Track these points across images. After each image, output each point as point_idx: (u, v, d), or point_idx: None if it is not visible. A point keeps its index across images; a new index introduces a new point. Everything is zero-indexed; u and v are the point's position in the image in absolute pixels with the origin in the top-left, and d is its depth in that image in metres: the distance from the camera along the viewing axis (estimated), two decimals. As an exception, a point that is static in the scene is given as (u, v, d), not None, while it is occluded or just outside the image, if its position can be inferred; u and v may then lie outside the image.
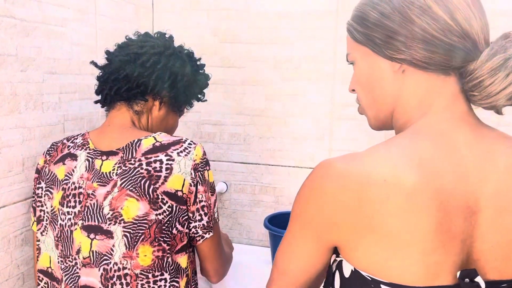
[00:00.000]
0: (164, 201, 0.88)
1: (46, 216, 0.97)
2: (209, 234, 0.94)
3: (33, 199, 1.00)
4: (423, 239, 0.56)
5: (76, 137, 1.01)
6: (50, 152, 1.01)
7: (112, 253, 0.89)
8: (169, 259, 0.90)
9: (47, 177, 0.98)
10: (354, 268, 0.61)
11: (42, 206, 0.97)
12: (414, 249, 0.56)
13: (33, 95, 1.06)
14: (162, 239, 0.89)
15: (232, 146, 1.62)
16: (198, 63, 1.10)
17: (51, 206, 0.96)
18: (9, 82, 0.99)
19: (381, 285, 0.58)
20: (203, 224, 0.93)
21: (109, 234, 0.89)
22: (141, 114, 1.02)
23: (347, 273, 0.62)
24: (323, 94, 1.51)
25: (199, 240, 0.94)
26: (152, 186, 0.88)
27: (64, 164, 0.96)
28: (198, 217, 0.93)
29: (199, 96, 1.12)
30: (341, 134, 1.51)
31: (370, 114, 0.72)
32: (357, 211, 0.57)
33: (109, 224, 0.89)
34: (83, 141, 0.98)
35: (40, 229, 0.98)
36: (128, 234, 0.88)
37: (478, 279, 0.57)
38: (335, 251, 0.65)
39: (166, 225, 0.89)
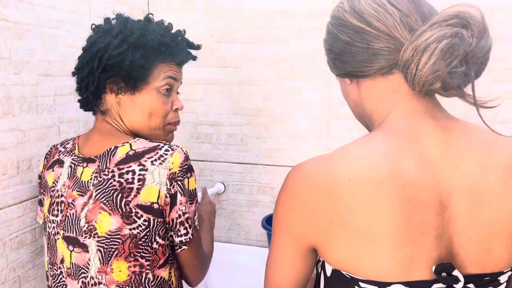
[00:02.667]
0: (139, 215, 0.84)
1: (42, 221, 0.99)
2: (189, 244, 0.91)
3: (41, 199, 1.02)
4: (392, 234, 0.56)
5: (69, 141, 1.00)
6: (47, 156, 1.01)
7: (88, 267, 0.87)
8: (149, 275, 0.87)
9: (43, 183, 0.98)
10: (334, 268, 0.62)
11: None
12: (384, 245, 0.57)
13: (27, 98, 1.06)
14: (138, 255, 0.85)
15: (230, 146, 1.61)
16: (136, 25, 0.95)
17: (43, 213, 0.96)
18: (2, 85, 0.99)
19: (360, 283, 0.59)
20: (183, 235, 0.89)
21: (85, 248, 0.87)
22: (109, 112, 0.95)
23: (329, 273, 0.64)
24: (319, 93, 1.50)
25: (178, 250, 0.92)
26: (124, 200, 0.84)
27: (53, 170, 0.95)
28: (177, 228, 0.88)
29: (153, 57, 0.93)
30: (338, 132, 1.51)
31: (359, 122, 0.77)
32: (328, 211, 0.59)
33: (85, 238, 0.87)
34: (72, 146, 0.97)
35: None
36: (101, 249, 0.85)
37: (456, 272, 0.57)
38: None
39: (143, 239, 0.85)
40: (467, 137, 0.62)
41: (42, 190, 0.99)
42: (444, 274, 0.57)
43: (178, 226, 0.88)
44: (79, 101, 0.98)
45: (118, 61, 0.90)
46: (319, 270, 0.68)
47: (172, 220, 0.87)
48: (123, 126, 0.96)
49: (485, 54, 0.57)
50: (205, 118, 1.63)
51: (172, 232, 0.88)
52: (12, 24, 1.01)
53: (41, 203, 1.02)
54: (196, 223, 0.92)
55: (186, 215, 0.88)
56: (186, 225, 0.88)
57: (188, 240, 0.89)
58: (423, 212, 0.57)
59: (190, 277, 0.97)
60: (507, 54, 1.34)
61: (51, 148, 1.02)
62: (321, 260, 0.66)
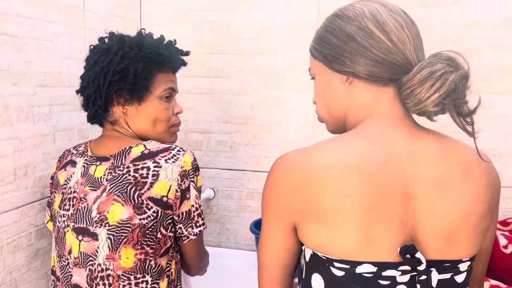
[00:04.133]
0: (149, 207, 0.92)
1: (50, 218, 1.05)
2: (203, 228, 1.00)
3: (50, 201, 1.08)
4: (359, 216, 0.63)
5: (81, 145, 1.08)
6: (60, 159, 1.08)
7: (96, 255, 0.93)
8: (152, 262, 0.94)
9: (55, 182, 1.05)
10: (313, 252, 0.68)
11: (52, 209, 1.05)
12: (351, 225, 0.63)
13: (24, 108, 1.11)
14: (145, 243, 0.93)
15: (219, 153, 1.67)
16: (132, 41, 1.02)
17: (53, 210, 1.02)
18: (1, 96, 1.03)
19: (334, 263, 0.65)
20: (201, 225, 0.99)
21: (94, 236, 0.94)
22: (117, 123, 1.04)
23: (308, 258, 0.70)
24: (306, 102, 1.56)
25: (185, 240, 0.99)
26: (137, 192, 0.92)
27: (65, 170, 1.03)
28: (193, 220, 0.97)
29: (152, 68, 1.02)
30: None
31: (326, 120, 0.82)
32: (304, 193, 0.66)
33: (95, 227, 0.93)
34: (84, 149, 1.05)
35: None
36: (111, 237, 0.92)
37: (418, 254, 0.64)
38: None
39: (150, 229, 0.93)
40: (432, 140, 0.70)
41: (53, 189, 1.05)
42: (408, 256, 0.64)
43: (196, 218, 0.98)
44: (87, 116, 1.05)
45: (122, 76, 0.99)
46: (302, 261, 0.74)
47: (182, 213, 0.96)
48: (132, 132, 1.05)
49: (465, 90, 0.67)
50: (195, 126, 1.68)
51: (182, 224, 0.97)
52: (10, 38, 1.06)
53: (49, 204, 1.08)
54: (203, 216, 1.01)
55: (200, 208, 0.98)
56: (203, 216, 0.99)
57: (203, 229, 1.00)
58: (389, 199, 0.64)
59: (192, 264, 1.05)
60: (482, 67, 1.42)
61: (64, 152, 1.09)
62: (303, 248, 0.72)
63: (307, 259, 0.71)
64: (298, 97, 1.57)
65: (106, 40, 1.06)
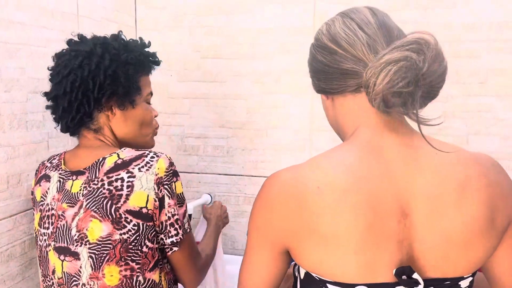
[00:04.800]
0: (128, 220, 0.88)
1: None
2: (179, 246, 0.94)
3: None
4: (355, 239, 0.61)
5: (55, 157, 1.03)
6: (36, 173, 1.05)
7: (80, 274, 0.90)
8: (140, 278, 0.91)
9: (33, 198, 1.02)
10: (306, 271, 0.67)
11: None
12: (348, 248, 0.61)
13: (17, 115, 1.09)
14: (129, 258, 0.89)
15: (216, 158, 1.66)
16: (116, 44, 1.00)
17: (34, 228, 1.00)
18: (-7, 103, 1.02)
19: (328, 284, 0.64)
20: (172, 236, 0.92)
21: (76, 256, 0.90)
22: (101, 130, 0.99)
23: (302, 275, 0.69)
24: (302, 106, 1.55)
25: (169, 252, 0.95)
26: (114, 206, 0.88)
27: (40, 185, 0.99)
28: (167, 230, 0.92)
29: (139, 71, 1.01)
30: (320, 144, 1.56)
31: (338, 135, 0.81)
32: (298, 216, 0.64)
33: (76, 246, 0.90)
34: (58, 161, 1.00)
35: None
36: (93, 255, 0.89)
37: (415, 275, 0.61)
38: None
39: (133, 244, 0.89)
40: (427, 151, 0.66)
41: (33, 206, 1.02)
42: (404, 276, 0.61)
43: (168, 228, 0.92)
44: (64, 125, 0.98)
45: (114, 79, 0.96)
46: (296, 274, 0.72)
47: (162, 223, 0.92)
48: (113, 140, 1.01)
49: (438, 77, 0.62)
50: (191, 131, 1.67)
51: (163, 235, 0.93)
52: (2, 44, 1.04)
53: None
54: (186, 226, 0.96)
55: (176, 217, 0.92)
56: (176, 226, 0.93)
57: (178, 241, 0.93)
58: (385, 219, 0.62)
59: (184, 279, 1.00)
60: (479, 69, 1.41)
61: (39, 165, 1.05)
62: (297, 264, 0.70)
63: (302, 277, 0.69)
64: (295, 101, 1.56)
65: (77, 42, 1.02)
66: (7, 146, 1.06)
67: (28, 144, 1.13)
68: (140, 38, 1.08)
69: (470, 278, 0.67)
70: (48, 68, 1.03)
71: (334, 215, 0.62)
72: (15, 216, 1.09)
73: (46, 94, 1.01)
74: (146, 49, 1.07)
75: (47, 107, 1.03)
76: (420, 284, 0.61)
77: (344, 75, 0.69)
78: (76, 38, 1.04)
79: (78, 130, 1.01)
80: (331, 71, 0.70)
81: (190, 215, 1.51)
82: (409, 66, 0.59)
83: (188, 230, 0.98)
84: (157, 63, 1.08)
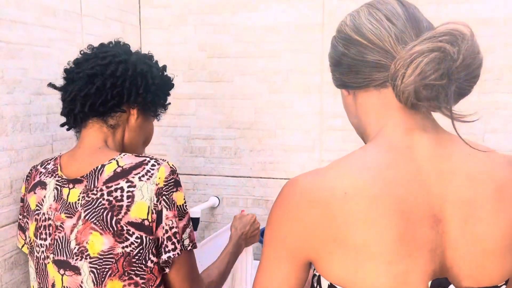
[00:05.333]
0: (130, 232, 0.83)
1: (28, 246, 0.96)
2: (173, 254, 0.86)
3: (21, 224, 0.99)
4: (387, 249, 0.57)
5: (49, 161, 0.98)
6: (28, 178, 0.99)
7: None
8: None
9: (25, 206, 0.96)
10: (330, 283, 0.61)
11: (27, 236, 0.97)
12: (380, 260, 0.57)
13: (20, 117, 1.06)
14: (133, 273, 0.84)
15: (223, 160, 1.62)
16: (159, 64, 1.06)
17: (29, 237, 0.95)
18: (-5, 105, 0.99)
19: None
20: (169, 251, 0.85)
21: (76, 270, 0.86)
22: (116, 128, 0.97)
23: (325, 287, 0.63)
24: (311, 106, 1.52)
25: (166, 269, 0.87)
26: (115, 218, 0.83)
27: (35, 193, 0.94)
28: (164, 244, 0.85)
29: (167, 98, 1.07)
30: (331, 144, 1.52)
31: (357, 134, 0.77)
32: (323, 225, 0.59)
33: (76, 260, 0.85)
34: (54, 166, 0.95)
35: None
36: (94, 270, 0.84)
37: (451, 287, 0.58)
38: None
39: (137, 257, 0.84)
40: (459, 152, 0.62)
41: (25, 214, 0.97)
42: None
43: (165, 242, 0.85)
44: (80, 107, 0.93)
45: (159, 88, 1.00)
46: (315, 285, 0.67)
47: (158, 238, 0.85)
48: (120, 143, 0.98)
49: (473, 71, 0.58)
50: (198, 132, 1.63)
51: (162, 249, 0.86)
52: (4, 44, 1.01)
53: (21, 227, 1.00)
54: (186, 242, 0.88)
55: (174, 230, 0.85)
56: (174, 240, 0.85)
57: (176, 256, 0.86)
58: (417, 226, 0.58)
59: None
60: (494, 65, 1.37)
61: (31, 170, 1.00)
62: (317, 274, 0.66)
63: None
64: (304, 100, 1.52)
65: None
66: (10, 150, 1.03)
67: (32, 147, 1.10)
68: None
69: (504, 286, 0.63)
70: (93, 49, 1.00)
71: (364, 223, 0.57)
72: (19, 222, 1.06)
73: (76, 63, 0.97)
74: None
75: (65, 79, 0.98)
76: None
77: (369, 68, 0.65)
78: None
79: (87, 120, 0.95)
80: (354, 64, 0.66)
81: (198, 219, 1.48)
82: (442, 57, 0.55)
83: (189, 247, 0.89)
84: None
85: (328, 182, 0.60)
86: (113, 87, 0.93)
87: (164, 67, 1.05)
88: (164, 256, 0.85)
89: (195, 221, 1.48)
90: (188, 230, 0.89)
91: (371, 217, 0.57)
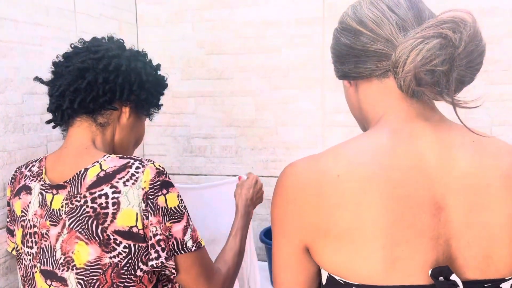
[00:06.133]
0: (118, 242, 0.78)
1: (16, 252, 0.93)
2: (155, 263, 0.80)
3: (10, 228, 0.96)
4: (382, 233, 0.55)
5: (34, 163, 0.93)
6: (12, 181, 0.94)
7: None
8: None
9: (11, 211, 0.93)
10: (329, 274, 0.60)
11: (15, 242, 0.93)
12: (374, 244, 0.55)
13: (12, 117, 1.03)
14: (122, 285, 0.79)
15: (224, 159, 1.58)
16: (153, 62, 1.01)
17: (16, 244, 0.91)
18: (-15, 105, 0.96)
19: None
20: (153, 258, 0.79)
21: (63, 282, 0.82)
22: (106, 126, 0.91)
23: (324, 280, 0.62)
24: (313, 101, 1.48)
25: (172, 276, 0.83)
26: (100, 227, 0.78)
27: (20, 198, 0.89)
28: (154, 254, 0.79)
29: (160, 98, 1.02)
30: (334, 140, 1.48)
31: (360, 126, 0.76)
32: (317, 208, 0.58)
33: (63, 270, 0.81)
34: (39, 169, 0.90)
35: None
36: (82, 282, 0.80)
37: (453, 277, 0.55)
38: None
39: (126, 267, 0.79)
40: (462, 139, 0.61)
41: (11, 219, 0.93)
42: (441, 278, 0.55)
43: (149, 249, 0.80)
44: (68, 102, 0.87)
45: (153, 86, 0.96)
46: (319, 280, 0.66)
47: (151, 243, 0.81)
48: (109, 142, 0.92)
49: (476, 58, 0.57)
50: (198, 131, 1.60)
51: (152, 259, 0.81)
52: (-6, 43, 0.98)
53: (10, 231, 0.97)
54: (189, 244, 0.83)
55: (157, 237, 0.79)
56: (158, 247, 0.79)
57: (159, 265, 0.80)
58: (416, 212, 0.56)
59: None
60: (501, 56, 1.33)
61: (15, 172, 0.94)
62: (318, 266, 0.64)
63: (324, 282, 0.62)
64: (305, 96, 1.49)
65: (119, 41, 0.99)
66: (2, 151, 1.00)
67: (25, 148, 1.07)
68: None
69: (511, 281, 0.59)
70: (83, 43, 0.95)
71: (357, 205, 0.56)
72: (13, 226, 1.03)
73: (65, 57, 0.92)
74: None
75: (53, 73, 0.93)
76: (458, 286, 0.54)
77: (371, 58, 0.64)
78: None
79: (75, 117, 0.90)
80: (356, 54, 0.65)
81: (199, 219, 1.44)
82: (444, 44, 0.54)
83: (194, 248, 0.83)
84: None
85: (322, 165, 0.59)
86: (105, 83, 0.87)
87: (158, 66, 1.00)
88: (150, 263, 0.80)
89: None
90: (189, 231, 0.83)
91: (364, 200, 0.56)
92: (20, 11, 1.06)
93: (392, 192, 0.56)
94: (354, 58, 0.66)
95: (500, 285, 0.58)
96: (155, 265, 0.80)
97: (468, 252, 0.57)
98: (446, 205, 0.57)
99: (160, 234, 0.79)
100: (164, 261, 0.80)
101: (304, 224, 0.59)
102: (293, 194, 0.60)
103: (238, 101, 1.55)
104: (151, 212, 0.79)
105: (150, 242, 0.79)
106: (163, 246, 0.80)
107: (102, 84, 0.87)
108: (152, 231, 0.79)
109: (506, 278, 0.59)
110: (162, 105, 1.04)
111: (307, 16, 1.46)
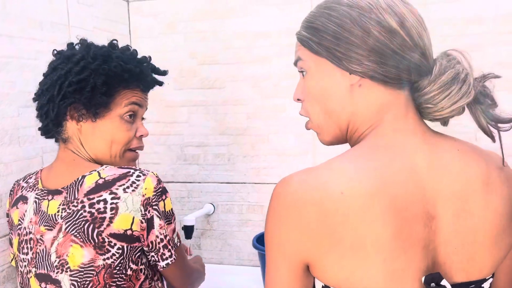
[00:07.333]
0: (112, 244, 0.83)
1: (14, 260, 0.96)
2: (170, 261, 0.90)
3: (11, 239, 0.99)
4: (384, 247, 0.56)
5: (31, 175, 0.97)
6: (11, 193, 0.99)
7: None
8: None
9: (10, 221, 0.96)
10: (324, 284, 0.60)
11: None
12: (376, 258, 0.56)
13: (8, 130, 1.06)
14: (114, 284, 0.84)
15: (217, 166, 1.61)
16: (100, 52, 0.93)
17: (13, 253, 0.94)
18: (-18, 119, 0.98)
19: None
20: (168, 257, 0.89)
21: (57, 284, 0.85)
22: (70, 139, 0.93)
23: None
24: (304, 110, 1.51)
25: (161, 268, 0.90)
26: (96, 230, 0.82)
27: (17, 208, 0.93)
28: (161, 251, 0.88)
29: (116, 84, 0.92)
30: (324, 148, 1.50)
31: (324, 128, 0.71)
32: (319, 224, 0.57)
33: (57, 273, 0.85)
34: (35, 180, 0.94)
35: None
36: (75, 283, 0.83)
37: (444, 282, 0.57)
38: None
39: (118, 268, 0.84)
40: (450, 149, 0.63)
41: (10, 229, 0.96)
42: (433, 284, 0.57)
43: (162, 250, 0.88)
44: (39, 128, 0.95)
45: (79, 88, 0.89)
46: None
47: (152, 242, 0.87)
48: (85, 154, 0.94)
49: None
50: (191, 140, 1.63)
51: (153, 253, 0.89)
52: (-10, 58, 1.01)
53: (11, 242, 0.99)
54: (176, 241, 0.92)
55: (168, 238, 0.89)
56: (169, 247, 0.89)
57: (173, 261, 0.91)
58: (412, 224, 0.57)
59: (178, 286, 0.99)
60: (484, 63, 1.36)
61: (14, 184, 0.99)
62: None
63: None
64: (296, 104, 1.51)
65: (77, 47, 0.97)
66: (-2, 163, 1.03)
67: (21, 160, 1.09)
68: (134, 50, 1.01)
69: (491, 280, 0.63)
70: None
71: (361, 222, 0.56)
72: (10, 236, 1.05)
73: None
74: (144, 64, 0.99)
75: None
76: None
77: (402, 64, 0.62)
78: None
79: (52, 136, 0.96)
80: (393, 57, 0.61)
81: (192, 227, 1.47)
82: (470, 83, 0.62)
83: (178, 244, 0.93)
84: (143, 78, 0.97)
85: (323, 180, 0.57)
86: (42, 108, 0.93)
87: (100, 60, 0.92)
88: (162, 263, 0.89)
89: (189, 229, 1.47)
90: (176, 229, 0.93)
91: (367, 216, 0.56)
92: (15, 27, 1.08)
93: (392, 207, 0.56)
94: (388, 60, 0.61)
95: (482, 285, 0.62)
96: (170, 263, 0.89)
97: (455, 257, 0.60)
98: (436, 214, 0.59)
99: (163, 234, 0.87)
100: (175, 257, 0.89)
101: (306, 241, 0.58)
102: (293, 212, 0.58)
103: (230, 110, 1.58)
104: (159, 216, 0.86)
105: (162, 244, 0.88)
106: (172, 244, 0.90)
107: (40, 110, 0.94)
108: (163, 233, 0.88)
109: (487, 278, 0.62)
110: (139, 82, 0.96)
111: (296, 27, 1.49)
